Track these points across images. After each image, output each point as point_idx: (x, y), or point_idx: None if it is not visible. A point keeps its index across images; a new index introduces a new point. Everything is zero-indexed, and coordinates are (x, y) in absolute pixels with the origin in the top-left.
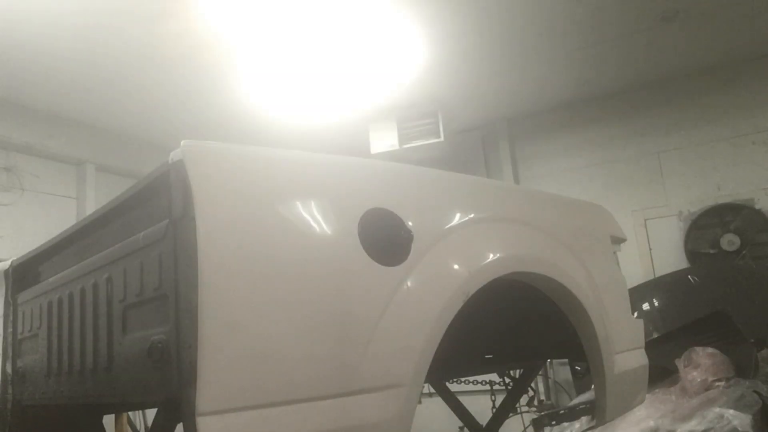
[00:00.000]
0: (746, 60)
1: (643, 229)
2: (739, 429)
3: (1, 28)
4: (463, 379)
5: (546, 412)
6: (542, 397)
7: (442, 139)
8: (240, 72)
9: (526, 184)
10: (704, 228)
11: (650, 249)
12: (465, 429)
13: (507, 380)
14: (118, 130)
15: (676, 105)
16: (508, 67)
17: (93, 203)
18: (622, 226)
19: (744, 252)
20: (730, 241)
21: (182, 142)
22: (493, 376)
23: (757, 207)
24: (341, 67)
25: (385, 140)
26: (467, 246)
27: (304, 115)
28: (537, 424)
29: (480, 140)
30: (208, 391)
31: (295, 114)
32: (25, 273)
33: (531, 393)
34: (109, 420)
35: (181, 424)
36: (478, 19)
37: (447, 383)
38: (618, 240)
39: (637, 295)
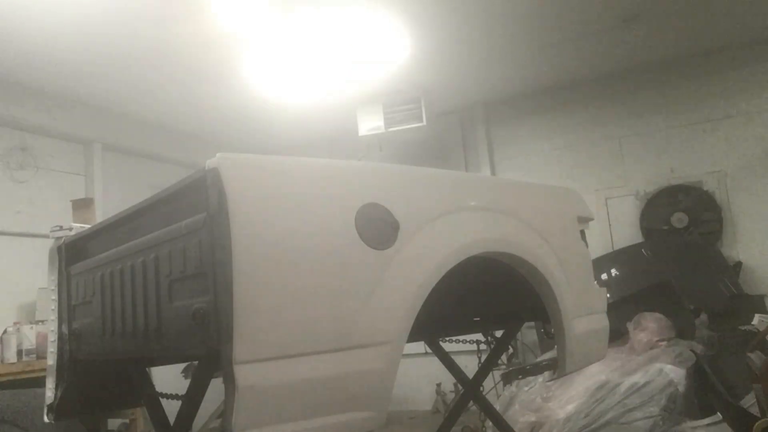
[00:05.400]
0: (698, 56)
1: (604, 206)
2: (675, 380)
3: (28, 26)
4: (454, 339)
5: (514, 368)
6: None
7: (424, 123)
8: (241, 60)
9: (500, 167)
10: (658, 206)
11: (610, 225)
12: (441, 385)
13: (491, 339)
14: (122, 111)
15: (637, 95)
16: (485, 57)
17: (100, 180)
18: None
19: (691, 229)
20: (679, 219)
21: (217, 155)
22: (480, 337)
23: (704, 188)
24: (335, 58)
25: (371, 123)
26: (444, 232)
27: (302, 99)
28: (506, 377)
29: (458, 123)
30: (241, 346)
31: (293, 98)
32: (76, 249)
33: (510, 350)
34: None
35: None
36: (459, 15)
37: (441, 342)
38: (585, 219)
39: (597, 265)
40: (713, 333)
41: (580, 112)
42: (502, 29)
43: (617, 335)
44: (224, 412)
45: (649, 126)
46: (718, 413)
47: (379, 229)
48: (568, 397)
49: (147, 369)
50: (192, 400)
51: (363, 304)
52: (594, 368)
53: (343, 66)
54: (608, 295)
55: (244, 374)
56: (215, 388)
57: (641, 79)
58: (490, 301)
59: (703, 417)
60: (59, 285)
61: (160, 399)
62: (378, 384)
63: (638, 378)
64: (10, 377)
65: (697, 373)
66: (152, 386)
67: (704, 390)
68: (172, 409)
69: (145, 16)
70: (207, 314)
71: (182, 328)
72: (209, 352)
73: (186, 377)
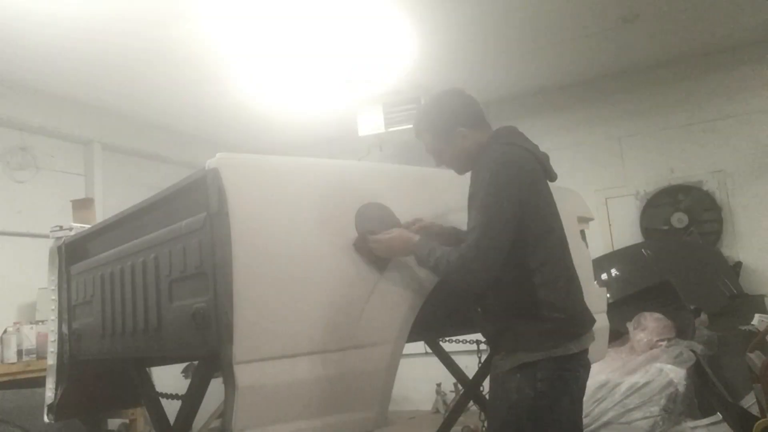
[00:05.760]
0: (697, 56)
1: (604, 207)
2: (675, 380)
3: (28, 26)
4: (454, 339)
5: None
6: None
7: None
8: (242, 60)
9: None
10: (658, 206)
11: (610, 225)
12: (441, 385)
13: None
14: (122, 111)
15: (637, 94)
16: (485, 58)
17: (100, 180)
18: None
19: (691, 229)
20: (679, 219)
21: (217, 155)
22: (480, 336)
23: (704, 188)
24: (335, 58)
25: (372, 123)
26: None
27: (302, 100)
28: None
29: None
30: (242, 346)
31: (293, 98)
32: (76, 249)
33: None
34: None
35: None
36: (459, 15)
37: (441, 342)
38: (585, 219)
39: (598, 265)
40: (713, 333)
41: (580, 112)
42: (502, 29)
43: (617, 335)
44: (224, 412)
45: (649, 126)
46: (718, 413)
47: (379, 228)
48: None
49: (147, 369)
50: (192, 400)
51: (363, 304)
52: (594, 368)
53: (344, 67)
54: (608, 295)
55: (244, 374)
56: (215, 388)
57: (641, 79)
58: None
59: (703, 417)
60: (59, 285)
61: (160, 399)
62: (378, 384)
63: (638, 378)
64: (10, 377)
65: (697, 373)
66: (152, 386)
67: (704, 390)
68: (172, 409)
69: (146, 17)
70: (207, 314)
71: (182, 328)
72: (209, 352)
73: (186, 377)
